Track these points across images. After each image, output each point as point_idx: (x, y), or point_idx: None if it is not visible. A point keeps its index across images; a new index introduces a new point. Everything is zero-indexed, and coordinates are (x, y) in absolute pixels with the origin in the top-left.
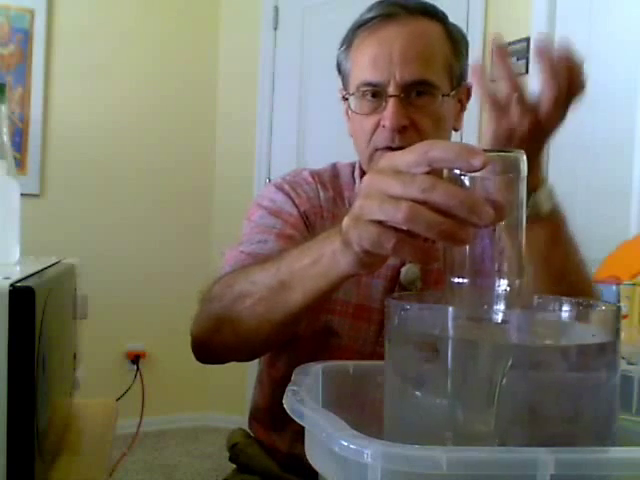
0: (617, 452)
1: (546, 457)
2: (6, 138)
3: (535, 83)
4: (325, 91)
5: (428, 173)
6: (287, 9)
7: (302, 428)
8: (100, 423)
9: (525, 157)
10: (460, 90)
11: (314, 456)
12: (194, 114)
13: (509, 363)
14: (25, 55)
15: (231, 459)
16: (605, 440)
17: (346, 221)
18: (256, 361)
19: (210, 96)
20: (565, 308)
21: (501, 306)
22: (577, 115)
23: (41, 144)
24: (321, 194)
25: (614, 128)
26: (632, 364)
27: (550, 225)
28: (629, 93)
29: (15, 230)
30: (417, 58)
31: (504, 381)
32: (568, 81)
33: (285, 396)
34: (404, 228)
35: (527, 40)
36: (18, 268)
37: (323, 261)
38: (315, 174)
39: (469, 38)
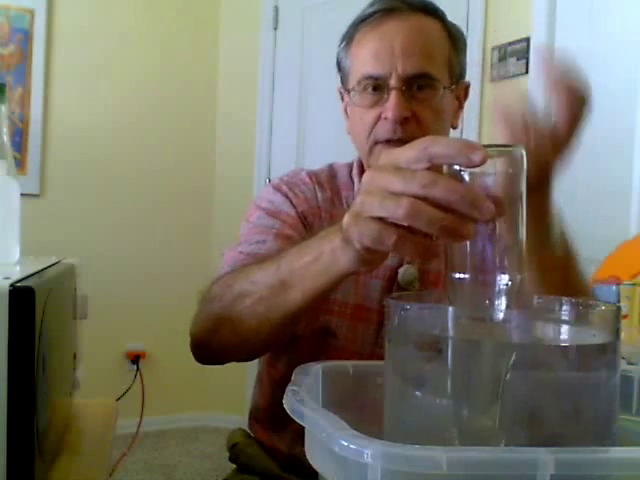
0: (617, 452)
1: (546, 457)
2: (6, 138)
3: (535, 83)
4: (325, 91)
5: (428, 169)
6: (287, 9)
7: (302, 428)
8: (100, 423)
9: (524, 152)
10: (459, 87)
11: (314, 456)
12: (194, 114)
13: (512, 360)
14: (25, 55)
15: (231, 459)
16: (605, 440)
17: (346, 218)
18: (256, 361)
19: (210, 96)
20: (565, 308)
21: (502, 302)
22: None
23: (41, 144)
24: (319, 194)
25: (614, 128)
26: (632, 364)
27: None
28: (629, 93)
29: (15, 230)
30: (419, 51)
31: (507, 377)
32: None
33: (285, 396)
34: (405, 224)
35: (527, 40)
36: (18, 268)
37: (323, 259)
38: (313, 174)
39: (469, 38)
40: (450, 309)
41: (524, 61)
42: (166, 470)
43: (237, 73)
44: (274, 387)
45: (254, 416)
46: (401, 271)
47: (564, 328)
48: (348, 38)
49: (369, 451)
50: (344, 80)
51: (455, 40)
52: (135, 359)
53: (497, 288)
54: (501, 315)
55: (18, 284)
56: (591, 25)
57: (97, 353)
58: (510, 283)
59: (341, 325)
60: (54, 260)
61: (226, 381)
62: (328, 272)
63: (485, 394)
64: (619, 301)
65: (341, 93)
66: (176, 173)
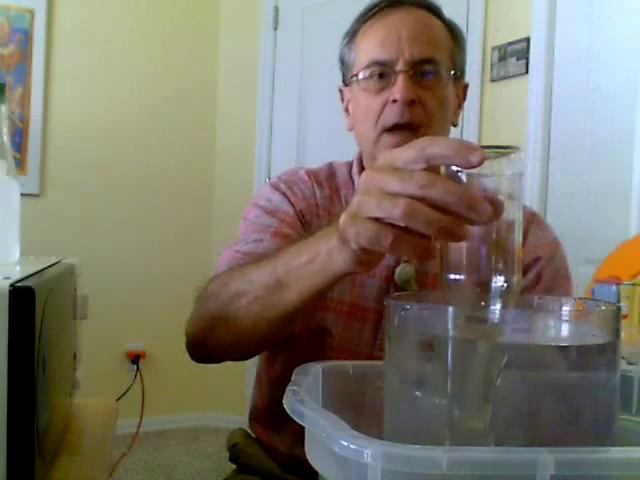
0: (617, 452)
1: (546, 457)
2: (6, 138)
3: (535, 83)
4: (325, 91)
5: (426, 170)
6: (287, 9)
7: (302, 428)
8: (100, 423)
9: (522, 154)
10: (459, 84)
11: (314, 456)
12: (194, 114)
13: (504, 360)
14: (25, 55)
15: (231, 459)
16: (605, 440)
17: (343, 218)
18: (255, 360)
19: (210, 96)
20: (565, 308)
21: (497, 303)
22: (577, 115)
23: (41, 144)
24: (317, 192)
25: (614, 128)
26: (632, 364)
27: None
28: (629, 94)
29: (15, 230)
30: (425, 39)
31: (499, 379)
32: None
33: (285, 396)
34: (402, 225)
35: (527, 40)
36: (18, 268)
37: (319, 259)
38: (311, 173)
39: (469, 38)
40: (450, 309)
41: (524, 61)
42: (166, 470)
43: (237, 73)
44: (272, 386)
45: (254, 416)
46: (398, 270)
47: (564, 328)
48: (352, 33)
49: (369, 451)
50: (346, 74)
51: (456, 37)
52: (135, 359)
53: (493, 289)
54: (499, 316)
55: (18, 284)
56: (591, 25)
57: (97, 353)
58: (506, 285)
59: (337, 324)
60: (54, 260)
61: (226, 381)
62: (324, 272)
63: (482, 393)
64: (619, 301)
65: (341, 92)
66: (176, 173)
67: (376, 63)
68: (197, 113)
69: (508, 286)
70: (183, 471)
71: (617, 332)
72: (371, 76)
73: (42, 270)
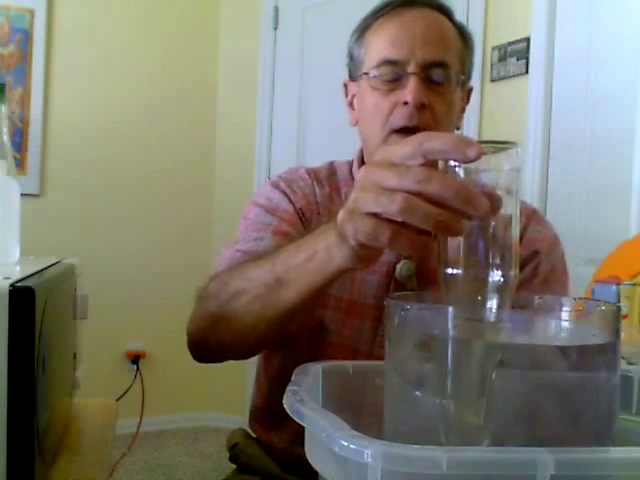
0: (617, 452)
1: (546, 457)
2: (6, 138)
3: (535, 83)
4: (325, 91)
5: (424, 165)
6: (287, 9)
7: (301, 428)
8: (100, 423)
9: (520, 149)
10: (465, 88)
11: (314, 456)
12: (194, 114)
13: (497, 358)
14: (25, 55)
15: (231, 459)
16: (605, 440)
17: (341, 214)
18: (255, 360)
19: (210, 96)
20: (565, 308)
21: (494, 298)
22: (577, 115)
23: (41, 144)
24: (317, 190)
25: (614, 128)
26: (632, 364)
27: None
28: (629, 93)
29: (15, 230)
30: (438, 41)
31: (494, 374)
32: None
33: (285, 396)
34: (399, 220)
35: (527, 40)
36: (18, 268)
37: (318, 256)
38: (311, 171)
39: None
40: (450, 309)
41: (524, 61)
42: (166, 470)
43: (237, 73)
44: (271, 384)
45: (254, 415)
46: (399, 267)
47: (564, 328)
48: (362, 29)
49: (369, 451)
50: (354, 70)
51: (467, 40)
52: (135, 359)
53: (490, 284)
54: (497, 314)
55: (18, 284)
56: (591, 25)
57: (97, 353)
58: (503, 279)
59: (335, 320)
60: (54, 260)
61: (226, 381)
62: (323, 269)
63: (476, 391)
64: (619, 301)
65: (346, 86)
66: (176, 173)
67: (387, 62)
68: (197, 113)
69: (505, 281)
70: (183, 471)
71: (617, 332)
72: (382, 75)
73: (42, 270)
